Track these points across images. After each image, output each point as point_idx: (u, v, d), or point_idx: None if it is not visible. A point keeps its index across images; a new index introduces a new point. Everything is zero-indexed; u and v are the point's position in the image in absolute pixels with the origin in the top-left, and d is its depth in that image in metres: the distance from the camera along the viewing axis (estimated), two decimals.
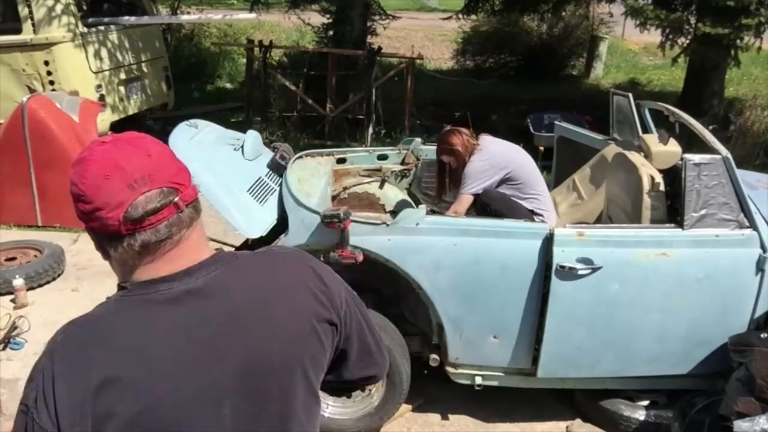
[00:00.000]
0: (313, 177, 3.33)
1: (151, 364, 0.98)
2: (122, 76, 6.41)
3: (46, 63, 5.77)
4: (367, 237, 2.86)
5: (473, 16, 10.46)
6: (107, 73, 6.21)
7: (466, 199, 3.38)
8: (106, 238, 1.03)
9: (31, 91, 5.70)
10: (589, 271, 2.79)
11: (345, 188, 3.70)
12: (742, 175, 2.95)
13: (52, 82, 5.81)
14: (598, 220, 3.56)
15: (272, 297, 1.11)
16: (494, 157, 3.42)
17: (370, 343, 1.33)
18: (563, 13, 10.65)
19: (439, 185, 3.70)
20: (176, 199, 1.02)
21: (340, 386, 1.37)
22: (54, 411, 0.94)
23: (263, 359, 1.06)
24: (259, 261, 1.16)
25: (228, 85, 10.72)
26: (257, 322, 1.07)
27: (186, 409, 0.99)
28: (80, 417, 0.94)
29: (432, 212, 3.37)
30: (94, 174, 0.99)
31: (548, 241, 2.81)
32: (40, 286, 4.26)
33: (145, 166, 1.01)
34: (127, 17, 6.67)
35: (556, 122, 4.33)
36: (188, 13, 11.14)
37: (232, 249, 3.63)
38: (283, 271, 1.16)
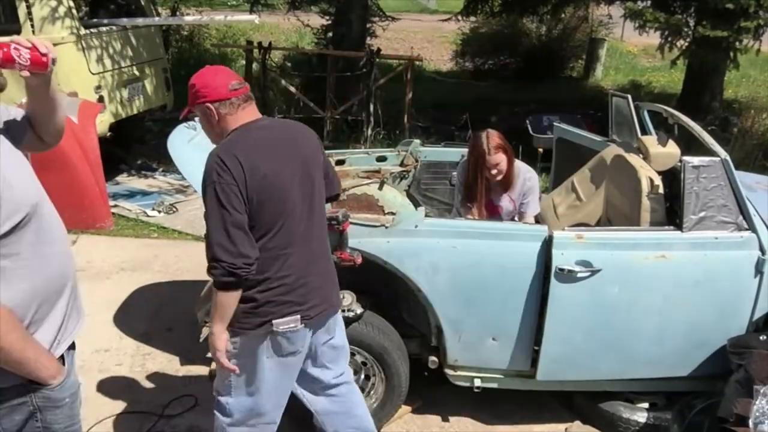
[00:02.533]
0: None
1: (263, 152, 2.12)
2: (122, 77, 6.41)
3: None
4: (365, 239, 2.86)
5: (472, 18, 10.47)
6: (107, 74, 6.20)
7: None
8: (220, 103, 2.15)
9: None
10: (588, 273, 2.79)
11: (344, 190, 3.69)
12: (741, 177, 2.95)
13: None
14: (597, 223, 3.56)
15: (302, 131, 2.34)
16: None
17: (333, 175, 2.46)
18: (562, 15, 10.66)
19: (473, 187, 3.31)
20: (245, 84, 2.21)
21: (328, 194, 2.41)
22: (230, 172, 2.02)
23: (308, 156, 2.26)
24: (290, 121, 2.43)
25: None
26: (302, 139, 2.29)
27: (283, 173, 2.14)
28: (243, 174, 2.03)
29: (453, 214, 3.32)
30: (208, 75, 2.20)
31: (547, 244, 2.81)
32: None
33: (229, 74, 2.22)
34: (126, 18, 6.67)
35: (555, 124, 4.34)
36: (188, 14, 11.15)
37: None
38: (303, 125, 2.38)
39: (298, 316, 2.18)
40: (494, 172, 3.22)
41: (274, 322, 2.15)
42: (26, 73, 1.60)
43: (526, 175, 3.35)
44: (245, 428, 2.38)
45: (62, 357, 1.74)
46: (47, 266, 1.66)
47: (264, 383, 2.27)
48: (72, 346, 1.81)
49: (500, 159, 3.20)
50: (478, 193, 3.29)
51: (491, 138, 3.20)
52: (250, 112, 2.21)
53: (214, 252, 1.99)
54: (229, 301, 2.08)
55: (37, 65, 1.60)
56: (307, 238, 2.22)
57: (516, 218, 3.39)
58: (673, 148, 3.25)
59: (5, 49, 1.54)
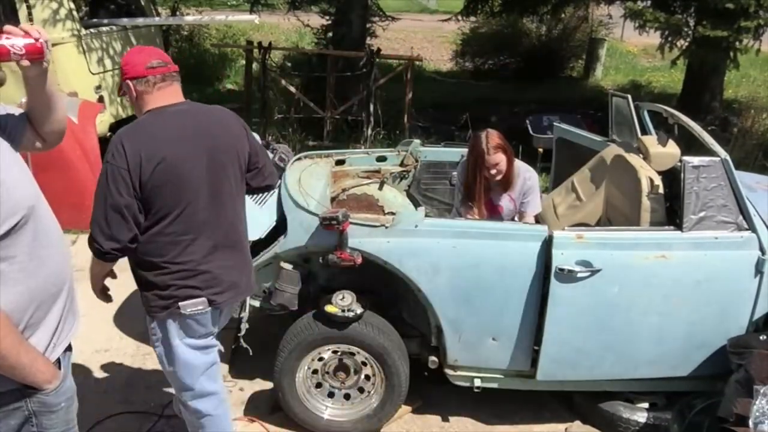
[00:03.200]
0: (311, 178, 3.33)
1: (168, 138, 2.15)
2: None
3: None
4: (365, 239, 2.86)
5: (472, 18, 10.47)
6: (107, 74, 6.21)
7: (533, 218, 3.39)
8: (137, 80, 2.19)
9: None
10: (588, 273, 2.79)
11: (344, 190, 3.70)
12: (741, 177, 2.95)
13: None
14: (597, 223, 3.56)
15: (224, 116, 2.38)
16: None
17: (264, 165, 2.51)
18: (562, 15, 10.66)
19: (472, 187, 3.31)
20: (168, 65, 2.25)
21: (256, 184, 2.52)
22: (124, 156, 2.07)
23: (222, 144, 2.28)
24: (214, 107, 2.42)
25: (229, 86, 10.72)
26: (218, 127, 2.30)
27: (186, 160, 2.16)
28: (137, 159, 2.07)
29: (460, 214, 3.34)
30: (132, 53, 2.26)
31: (547, 244, 2.81)
32: None
33: (153, 53, 2.25)
34: (126, 19, 6.67)
35: (555, 124, 4.33)
36: (188, 14, 11.15)
37: None
38: (227, 111, 2.42)
39: (205, 299, 2.25)
40: (494, 172, 3.22)
41: (180, 304, 2.23)
42: (26, 62, 1.57)
43: (525, 174, 3.35)
44: (195, 403, 2.44)
45: (58, 361, 1.73)
46: (43, 269, 1.64)
47: (185, 363, 2.34)
48: (68, 348, 1.80)
49: (500, 159, 3.20)
50: (477, 193, 3.29)
51: (491, 138, 3.19)
52: (170, 94, 2.23)
53: (92, 229, 2.13)
54: (99, 266, 2.34)
55: (33, 53, 1.57)
56: (212, 225, 2.26)
57: (516, 218, 3.39)
58: (673, 148, 3.25)
59: None
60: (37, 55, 1.58)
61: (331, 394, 3.08)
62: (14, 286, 1.57)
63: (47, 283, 1.66)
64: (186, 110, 2.27)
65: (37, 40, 1.57)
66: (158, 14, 8.31)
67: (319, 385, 3.07)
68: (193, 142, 2.20)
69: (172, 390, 3.34)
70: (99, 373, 3.48)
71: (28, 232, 1.58)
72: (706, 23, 6.51)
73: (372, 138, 7.25)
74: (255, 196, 3.05)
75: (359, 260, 2.82)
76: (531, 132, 6.74)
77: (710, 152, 2.93)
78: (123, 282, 2.48)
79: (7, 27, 1.57)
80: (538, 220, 3.51)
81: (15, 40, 1.55)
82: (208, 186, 2.23)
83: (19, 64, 1.57)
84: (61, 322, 1.72)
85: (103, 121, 5.88)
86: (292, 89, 7.56)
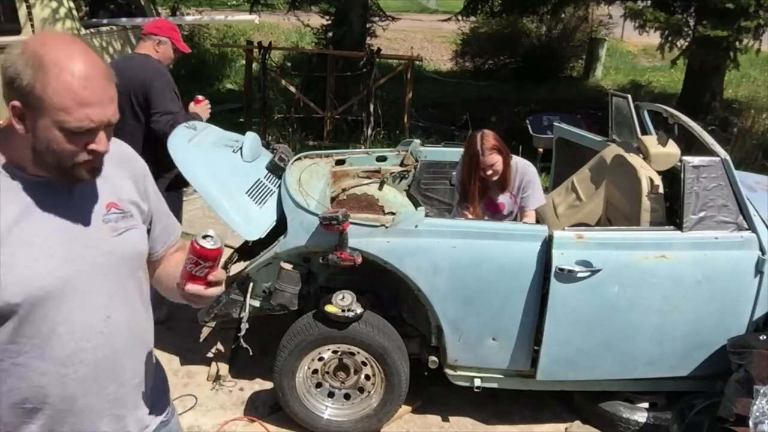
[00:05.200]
0: (312, 178, 3.33)
1: None
2: None
3: None
4: (365, 239, 2.86)
5: (472, 18, 10.47)
6: None
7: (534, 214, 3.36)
8: None
9: None
10: (588, 273, 2.79)
11: (344, 190, 3.70)
12: (741, 177, 2.96)
13: None
14: (597, 223, 3.56)
15: None
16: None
17: None
18: (562, 15, 10.66)
19: (468, 188, 3.30)
20: None
21: None
22: None
23: None
24: None
25: (229, 86, 10.72)
26: None
27: None
28: None
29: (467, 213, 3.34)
30: None
31: (547, 244, 2.81)
32: None
33: None
34: (126, 18, 6.67)
35: (555, 124, 4.34)
36: (188, 14, 11.15)
37: (232, 251, 3.64)
38: None
39: None
40: (489, 173, 3.22)
41: None
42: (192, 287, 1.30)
43: (523, 169, 3.35)
44: None
45: None
46: (13, 380, 1.23)
47: None
48: None
49: (495, 160, 3.20)
50: (472, 194, 3.29)
51: (486, 139, 3.19)
52: None
53: None
54: None
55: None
56: None
57: (518, 213, 3.38)
58: (673, 148, 3.25)
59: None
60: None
61: (331, 394, 3.08)
62: None
63: (9, 400, 1.24)
64: None
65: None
66: (158, 14, 8.32)
67: (319, 385, 3.07)
68: None
69: (171, 390, 3.34)
70: None
71: (8, 329, 1.20)
72: (706, 23, 6.51)
73: (372, 138, 7.25)
74: (254, 195, 3.05)
75: (359, 260, 2.82)
76: (531, 132, 6.74)
77: (710, 152, 2.93)
78: None
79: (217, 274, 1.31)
80: (539, 218, 3.51)
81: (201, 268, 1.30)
82: None
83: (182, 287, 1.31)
84: None
85: None
86: (292, 89, 7.56)
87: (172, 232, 1.55)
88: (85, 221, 1.28)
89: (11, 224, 1.19)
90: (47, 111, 1.16)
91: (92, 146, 1.21)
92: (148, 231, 1.45)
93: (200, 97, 3.70)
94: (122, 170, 1.39)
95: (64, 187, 1.26)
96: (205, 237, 1.27)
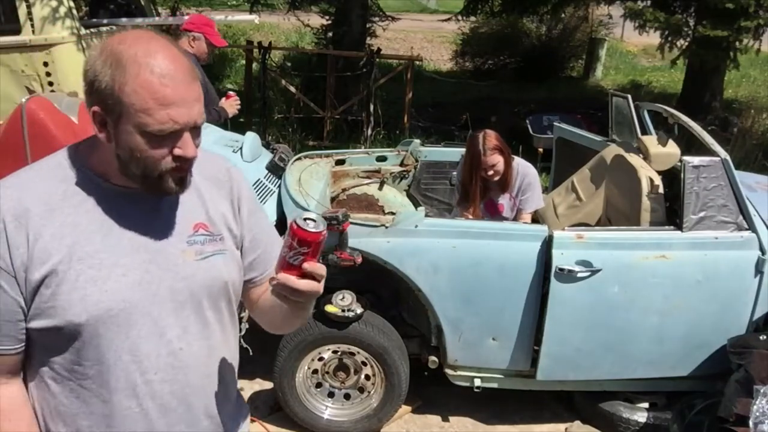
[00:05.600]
0: (312, 178, 3.33)
1: None
2: None
3: (45, 64, 5.76)
4: (365, 239, 2.86)
5: (472, 18, 10.47)
6: None
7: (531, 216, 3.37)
8: None
9: (30, 92, 5.70)
10: (588, 273, 2.79)
11: (344, 190, 3.70)
12: (741, 177, 2.96)
13: (51, 83, 5.79)
14: (597, 223, 3.56)
15: None
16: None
17: None
18: (562, 15, 10.66)
19: (469, 188, 3.29)
20: None
21: None
22: None
23: None
24: None
25: (229, 86, 10.72)
26: None
27: None
28: None
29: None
30: None
31: (547, 244, 2.81)
32: None
33: None
34: (126, 18, 6.67)
35: (555, 124, 4.34)
36: (188, 14, 11.13)
37: None
38: None
39: None
40: (491, 173, 3.22)
41: None
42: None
43: (524, 171, 3.34)
44: None
45: None
46: (80, 403, 1.15)
47: None
48: None
49: (496, 160, 3.19)
50: (473, 194, 3.28)
51: (488, 139, 3.19)
52: None
53: None
54: None
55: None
56: None
57: (515, 214, 3.38)
58: (673, 148, 3.25)
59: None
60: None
61: (331, 394, 3.08)
62: (24, 405, 1.14)
63: (78, 420, 1.16)
64: None
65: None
66: (158, 14, 8.32)
67: (319, 385, 3.07)
68: None
69: None
70: None
71: (75, 345, 1.11)
72: (706, 23, 6.52)
73: (372, 138, 7.25)
74: (254, 195, 3.05)
75: (359, 260, 2.82)
76: (531, 132, 6.75)
77: (710, 152, 2.93)
78: None
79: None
80: (538, 219, 3.51)
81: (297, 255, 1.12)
82: None
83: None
84: None
85: None
86: (292, 89, 7.56)
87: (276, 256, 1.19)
88: (168, 240, 1.16)
89: (85, 236, 1.09)
90: (127, 114, 1.05)
91: (177, 151, 1.08)
92: (244, 255, 1.30)
93: (232, 93, 3.71)
94: (217, 189, 1.26)
95: (150, 200, 1.15)
96: (306, 219, 1.11)
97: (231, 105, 3.60)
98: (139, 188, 1.12)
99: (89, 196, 1.12)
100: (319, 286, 1.13)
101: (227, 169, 1.32)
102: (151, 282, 1.13)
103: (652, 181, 3.07)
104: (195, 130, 1.11)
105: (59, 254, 1.07)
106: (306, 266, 1.11)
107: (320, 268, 1.13)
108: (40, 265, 1.06)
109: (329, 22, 8.71)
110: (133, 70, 1.04)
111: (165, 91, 1.04)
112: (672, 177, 3.19)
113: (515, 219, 3.36)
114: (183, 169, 1.12)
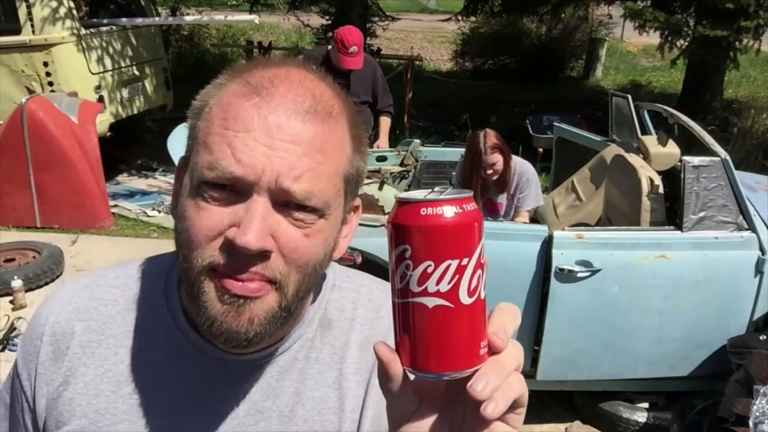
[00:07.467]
0: None
1: None
2: (122, 77, 6.41)
3: (45, 64, 5.77)
4: (365, 239, 2.85)
5: (472, 18, 10.47)
6: (107, 74, 6.20)
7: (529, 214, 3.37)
8: None
9: (30, 92, 5.70)
10: (588, 273, 2.79)
11: None
12: (741, 177, 2.95)
13: (51, 83, 5.80)
14: (597, 223, 3.56)
15: None
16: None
17: None
18: (562, 15, 10.66)
19: (468, 187, 3.18)
20: None
21: None
22: None
23: None
24: None
25: None
26: None
27: None
28: None
29: None
30: None
31: (547, 244, 2.81)
32: (38, 287, 4.25)
33: None
34: (126, 18, 6.67)
35: (555, 124, 4.34)
36: (188, 14, 11.15)
37: None
38: None
39: None
40: (490, 172, 3.22)
41: None
42: None
43: (522, 169, 3.36)
44: None
45: None
46: None
47: None
48: None
49: (496, 159, 3.20)
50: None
51: (488, 138, 3.20)
52: None
53: None
54: None
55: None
56: None
57: (513, 213, 3.39)
58: (673, 148, 3.25)
59: None
60: None
61: None
62: None
63: None
64: None
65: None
66: (158, 14, 8.32)
67: None
68: None
69: None
70: None
71: None
72: (706, 23, 6.52)
73: (372, 138, 7.25)
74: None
75: (359, 260, 2.82)
76: (531, 132, 6.75)
77: (710, 152, 2.93)
78: None
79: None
80: (537, 218, 3.50)
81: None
82: None
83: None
84: None
85: (103, 121, 5.88)
86: None
87: None
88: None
89: (175, 413, 0.71)
90: (192, 152, 0.66)
91: (231, 232, 0.61)
92: None
93: None
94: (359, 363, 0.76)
95: (243, 366, 0.72)
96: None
97: None
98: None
99: (174, 354, 0.72)
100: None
101: (381, 330, 0.77)
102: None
103: (652, 181, 3.07)
104: (292, 209, 0.63)
105: (79, 422, 0.71)
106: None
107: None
108: (55, 428, 0.72)
109: (329, 22, 8.73)
110: (230, 83, 0.65)
111: (248, 112, 0.61)
112: (672, 177, 3.18)
113: (513, 217, 3.36)
114: (230, 276, 0.62)
